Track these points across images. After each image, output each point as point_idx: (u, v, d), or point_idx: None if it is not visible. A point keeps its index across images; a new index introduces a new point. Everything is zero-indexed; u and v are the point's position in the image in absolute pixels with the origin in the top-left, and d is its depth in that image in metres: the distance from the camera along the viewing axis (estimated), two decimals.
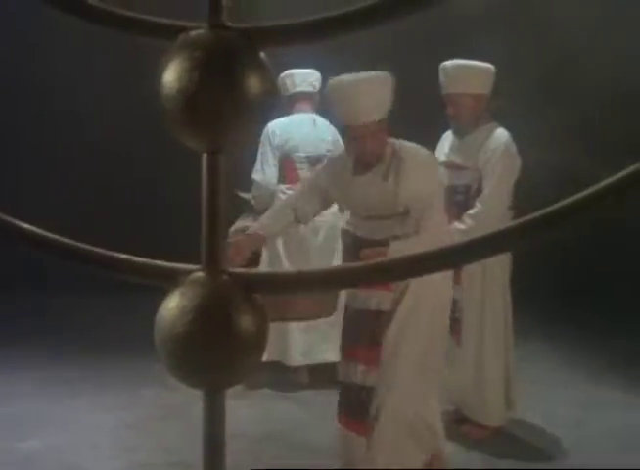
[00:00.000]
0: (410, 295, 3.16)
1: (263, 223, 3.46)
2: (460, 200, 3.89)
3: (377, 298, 3.19)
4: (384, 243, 3.13)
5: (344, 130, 3.37)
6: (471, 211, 3.78)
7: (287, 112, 5.05)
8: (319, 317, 4.73)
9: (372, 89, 3.06)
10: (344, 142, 3.18)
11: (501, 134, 3.93)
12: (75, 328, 5.94)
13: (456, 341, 3.89)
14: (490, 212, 3.76)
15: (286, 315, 4.48)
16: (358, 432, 3.23)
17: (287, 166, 5.01)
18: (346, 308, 3.40)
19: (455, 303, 3.56)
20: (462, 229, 3.66)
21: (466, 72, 3.86)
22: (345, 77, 3.11)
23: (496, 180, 3.81)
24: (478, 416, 4.05)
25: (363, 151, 3.17)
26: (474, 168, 3.90)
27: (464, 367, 3.96)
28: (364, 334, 3.22)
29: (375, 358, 3.17)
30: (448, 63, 3.93)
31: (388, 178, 3.15)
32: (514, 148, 3.93)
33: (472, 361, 3.96)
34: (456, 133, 4.02)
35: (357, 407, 3.21)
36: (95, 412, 4.48)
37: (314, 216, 3.53)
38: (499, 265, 3.88)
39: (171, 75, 0.60)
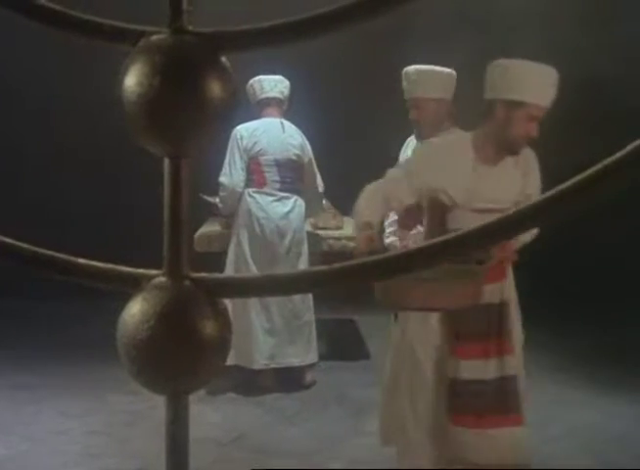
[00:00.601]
0: (510, 279, 3.20)
1: (367, 213, 3.24)
2: None
3: (500, 288, 3.15)
4: None
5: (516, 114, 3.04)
6: None
7: (256, 117, 5.06)
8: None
9: (555, 78, 3.02)
10: (513, 123, 3.00)
11: None
12: (39, 333, 5.87)
13: None
14: None
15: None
16: (515, 424, 3.09)
17: (254, 170, 5.02)
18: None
19: None
20: None
21: (428, 77, 3.89)
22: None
23: None
24: None
25: (533, 135, 3.10)
26: None
27: None
28: (495, 327, 3.13)
29: (509, 348, 3.12)
30: (410, 68, 3.97)
31: (518, 169, 3.16)
32: None
33: None
34: (419, 138, 4.04)
35: (504, 400, 3.10)
36: (60, 419, 4.43)
37: (399, 206, 3.36)
38: None
39: (132, 80, 0.60)
